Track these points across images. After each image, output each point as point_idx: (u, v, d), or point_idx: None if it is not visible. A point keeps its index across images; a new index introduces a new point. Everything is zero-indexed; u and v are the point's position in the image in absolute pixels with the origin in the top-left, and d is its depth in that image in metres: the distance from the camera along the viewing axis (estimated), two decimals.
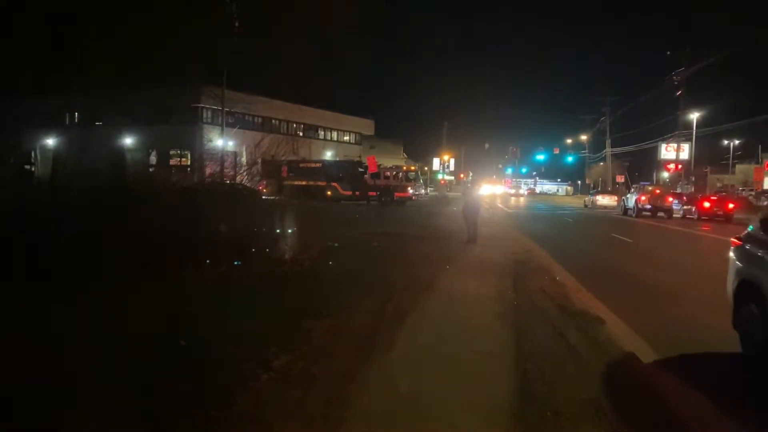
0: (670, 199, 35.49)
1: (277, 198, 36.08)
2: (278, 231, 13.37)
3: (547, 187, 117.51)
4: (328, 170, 40.10)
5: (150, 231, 8.59)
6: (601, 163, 78.05)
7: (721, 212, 31.29)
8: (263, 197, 34.39)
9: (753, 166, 68.00)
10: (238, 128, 40.18)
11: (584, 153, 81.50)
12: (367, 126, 64.17)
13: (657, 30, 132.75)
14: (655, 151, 58.37)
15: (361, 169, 40.64)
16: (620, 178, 68.87)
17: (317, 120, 55.65)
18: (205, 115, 42.92)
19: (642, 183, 47.51)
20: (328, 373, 4.89)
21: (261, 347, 5.21)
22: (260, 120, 46.81)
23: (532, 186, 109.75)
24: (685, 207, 35.57)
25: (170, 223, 9.46)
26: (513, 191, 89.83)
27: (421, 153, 76.45)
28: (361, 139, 63.54)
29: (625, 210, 36.74)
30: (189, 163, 39.13)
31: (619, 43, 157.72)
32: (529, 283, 9.87)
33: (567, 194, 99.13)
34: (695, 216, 32.28)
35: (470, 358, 5.56)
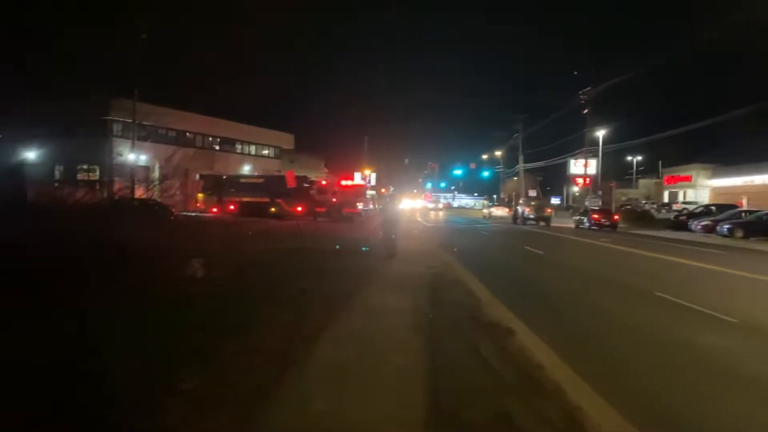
0: (549, 210, 44.90)
1: (204, 214, 35.08)
2: (194, 248, 12.94)
3: (465, 201, 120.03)
4: (272, 186, 38.69)
5: (49, 250, 8.12)
6: (515, 178, 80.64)
7: (608, 223, 37.87)
8: (197, 213, 33.25)
9: (653, 181, 72.36)
10: (151, 142, 38.90)
11: (499, 168, 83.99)
12: (286, 140, 63.54)
13: (569, 51, 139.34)
14: (565, 166, 61.13)
15: (306, 185, 39.84)
16: (533, 192, 71.40)
17: (234, 133, 54.64)
18: (115, 128, 41.27)
19: (524, 198, 56.57)
20: (239, 394, 4.76)
21: (168, 370, 5.01)
22: (174, 133, 45.48)
23: (449, 200, 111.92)
24: (576, 218, 43.02)
25: (72, 242, 8.99)
26: (432, 205, 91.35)
27: (342, 167, 76.39)
28: (281, 154, 62.84)
29: (515, 219, 45.33)
30: (98, 178, 37.44)
31: (534, 62, 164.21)
32: (444, 295, 10.03)
33: (484, 207, 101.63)
34: (586, 226, 38.39)
35: (385, 373, 5.55)
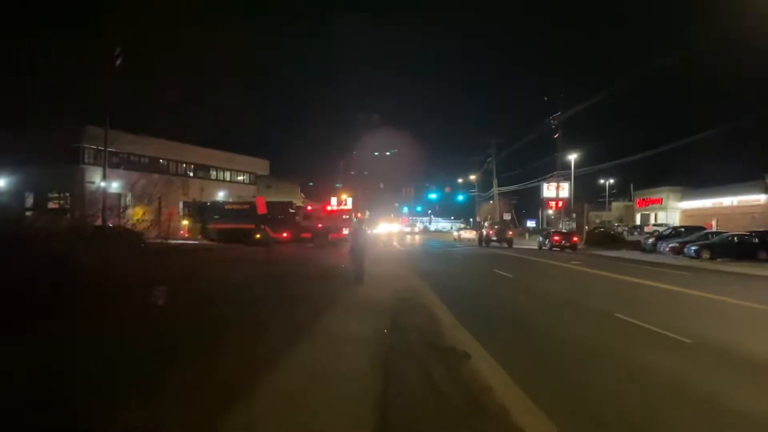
0: (511, 232, 48.20)
1: (185, 242, 34.78)
2: (161, 276, 12.88)
3: (441, 224, 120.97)
4: (256, 212, 38.74)
5: (7, 278, 8.07)
6: (491, 201, 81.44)
7: (568, 244, 40.11)
8: (176, 241, 32.81)
9: (624, 203, 73.59)
10: (123, 169, 38.66)
11: (474, 192, 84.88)
12: (261, 166, 63.49)
13: (545, 75, 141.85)
14: (540, 189, 61.93)
15: (292, 210, 39.61)
16: (507, 215, 72.10)
17: (209, 160, 54.51)
18: (86, 155, 40.96)
19: (488, 222, 60.66)
20: (183, 426, 4.76)
21: (113, 399, 5.01)
22: (147, 160, 45.27)
23: (426, 224, 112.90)
24: (539, 239, 45.77)
25: (33, 270, 8.94)
26: (409, 229, 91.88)
27: (318, 193, 76.48)
28: (256, 179, 62.74)
29: (480, 241, 48.30)
30: (69, 206, 37.00)
31: (509, 86, 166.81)
32: (406, 320, 10.10)
33: (454, 231, 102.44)
34: (548, 247, 41.00)
35: (335, 400, 5.59)
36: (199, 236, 38.65)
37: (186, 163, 51.70)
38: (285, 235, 37.52)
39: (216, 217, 39.20)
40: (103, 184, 34.51)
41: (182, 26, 17.55)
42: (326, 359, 7.18)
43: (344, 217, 41.40)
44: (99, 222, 22.98)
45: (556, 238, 41.07)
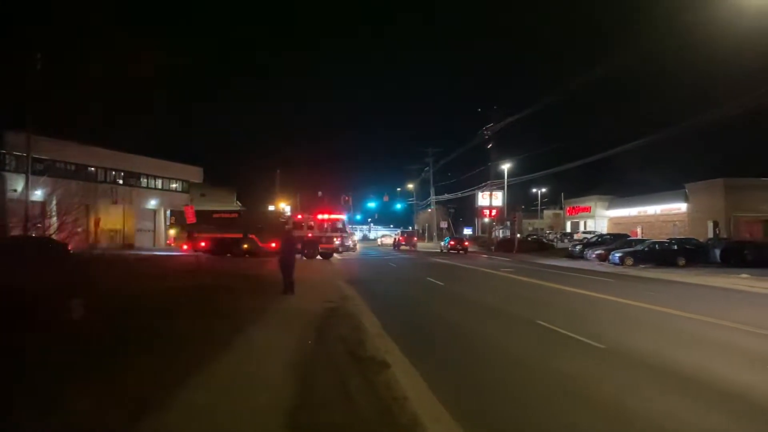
0: (415, 239, 61.04)
1: (140, 252, 33.46)
2: (82, 288, 12.37)
3: (381, 232, 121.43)
4: (245, 221, 37.40)
5: None
6: (429, 210, 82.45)
7: (461, 248, 50.27)
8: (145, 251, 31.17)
9: (555, 212, 75.86)
10: (48, 176, 37.12)
11: (411, 200, 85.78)
12: (195, 173, 62.00)
13: (481, 86, 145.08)
14: (475, 198, 63.23)
15: (282, 220, 38.51)
16: (444, 224, 73.21)
17: (139, 167, 52.96)
18: (7, 161, 39.11)
19: (400, 231, 71.25)
20: None
21: (6, 421, 4.82)
22: (74, 167, 43.62)
23: (366, 232, 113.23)
24: (442, 243, 57.51)
25: None
26: None
27: (255, 200, 75.42)
28: (189, 187, 61.27)
29: (394, 246, 60.71)
30: None
31: (444, 96, 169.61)
32: (332, 331, 10.11)
33: (377, 238, 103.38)
34: (447, 250, 51.22)
35: (244, 416, 5.52)
36: (181, 245, 37.45)
37: (115, 171, 50.12)
38: (274, 245, 36.53)
39: (203, 226, 37.83)
40: (21, 191, 33.05)
41: (106, 32, 17.06)
42: (243, 371, 7.11)
43: (338, 225, 40.32)
44: (19, 231, 22.00)
45: (452, 243, 52.42)
